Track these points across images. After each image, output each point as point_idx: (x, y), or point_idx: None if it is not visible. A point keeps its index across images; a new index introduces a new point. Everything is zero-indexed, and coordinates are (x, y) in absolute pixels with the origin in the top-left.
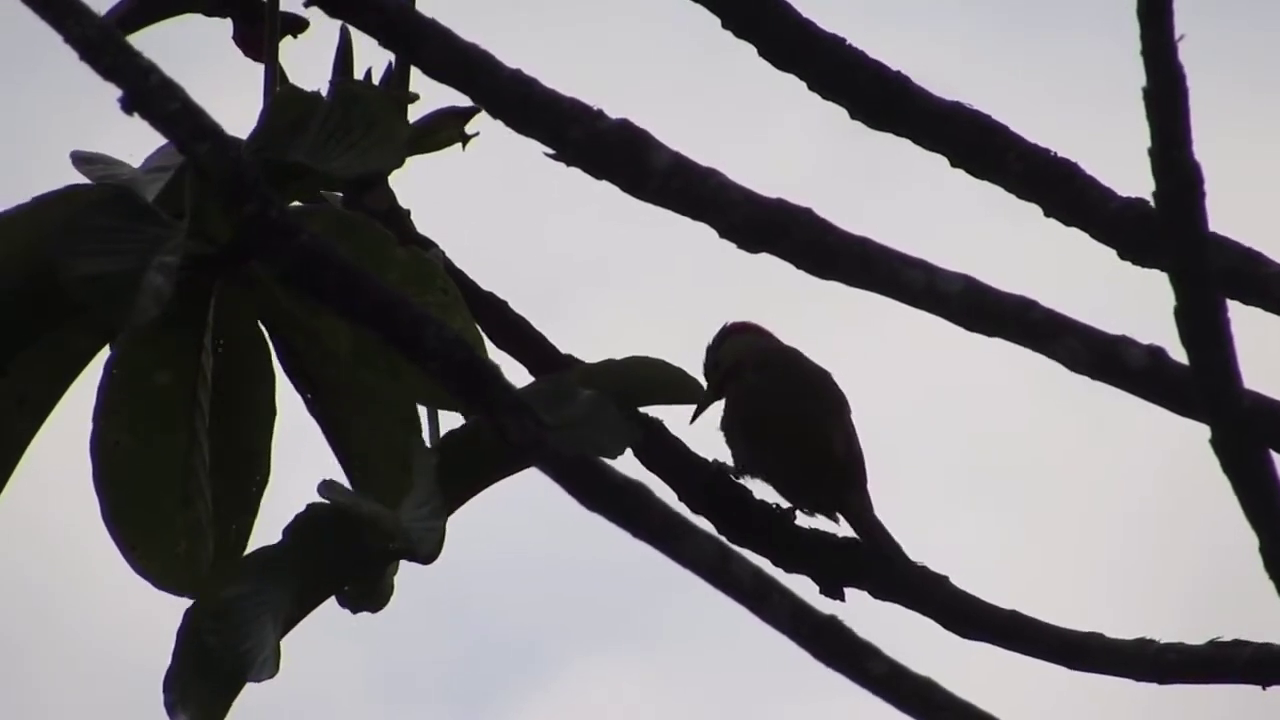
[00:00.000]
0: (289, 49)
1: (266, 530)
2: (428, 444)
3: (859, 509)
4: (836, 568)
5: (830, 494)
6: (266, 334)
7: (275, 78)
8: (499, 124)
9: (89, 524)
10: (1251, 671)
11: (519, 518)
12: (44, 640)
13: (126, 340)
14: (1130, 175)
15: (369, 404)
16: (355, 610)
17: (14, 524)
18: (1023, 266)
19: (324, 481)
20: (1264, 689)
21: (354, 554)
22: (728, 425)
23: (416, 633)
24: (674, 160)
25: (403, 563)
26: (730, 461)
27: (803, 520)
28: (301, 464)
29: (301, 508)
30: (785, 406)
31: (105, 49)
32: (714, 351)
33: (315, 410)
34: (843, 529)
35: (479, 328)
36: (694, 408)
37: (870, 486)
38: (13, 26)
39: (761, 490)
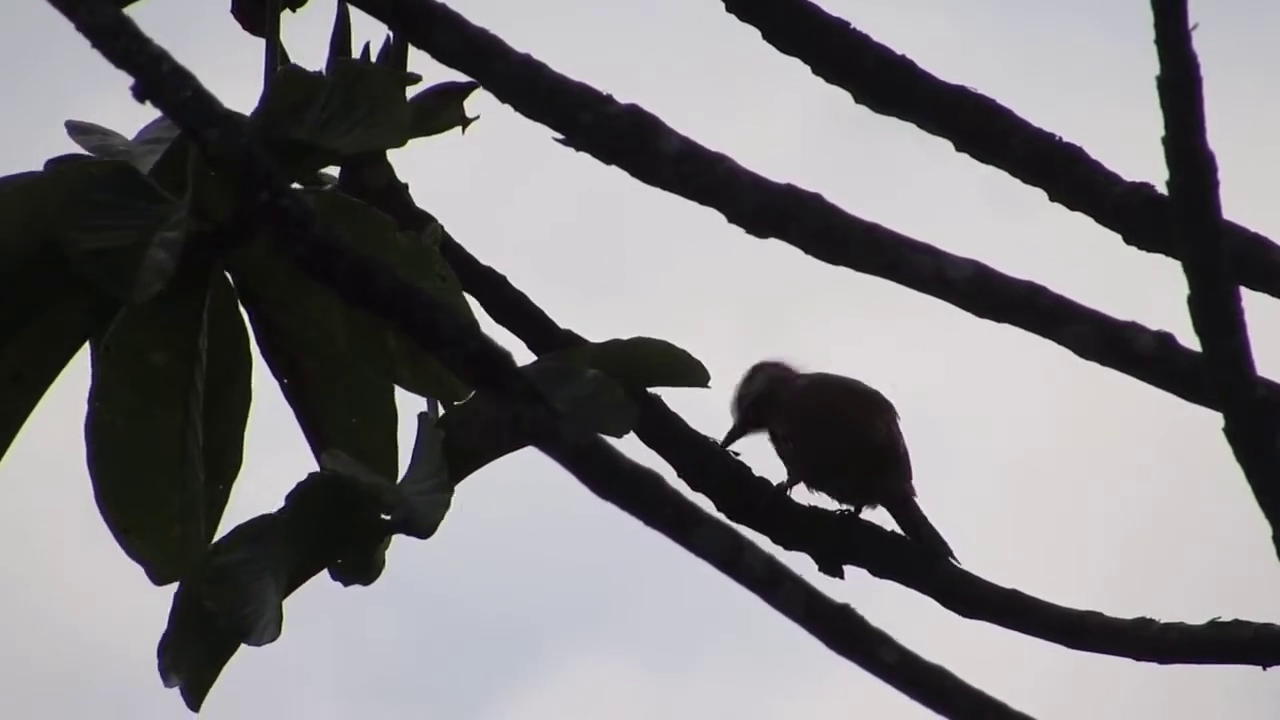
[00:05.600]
0: (288, 22)
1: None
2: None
3: (907, 504)
4: (835, 545)
5: (877, 482)
6: (247, 318)
7: (275, 52)
8: (498, 105)
9: (76, 507)
10: (1252, 652)
11: (509, 508)
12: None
13: (123, 320)
14: (1133, 160)
15: (349, 391)
16: (347, 583)
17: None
18: (1025, 251)
19: (327, 451)
20: (1264, 669)
21: (352, 525)
22: (775, 438)
23: (404, 626)
24: (683, 145)
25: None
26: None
27: (801, 498)
28: (279, 444)
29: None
30: (825, 403)
31: (118, 37)
32: (745, 385)
33: (291, 397)
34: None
35: (476, 305)
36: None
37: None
38: (25, 13)
39: (814, 500)
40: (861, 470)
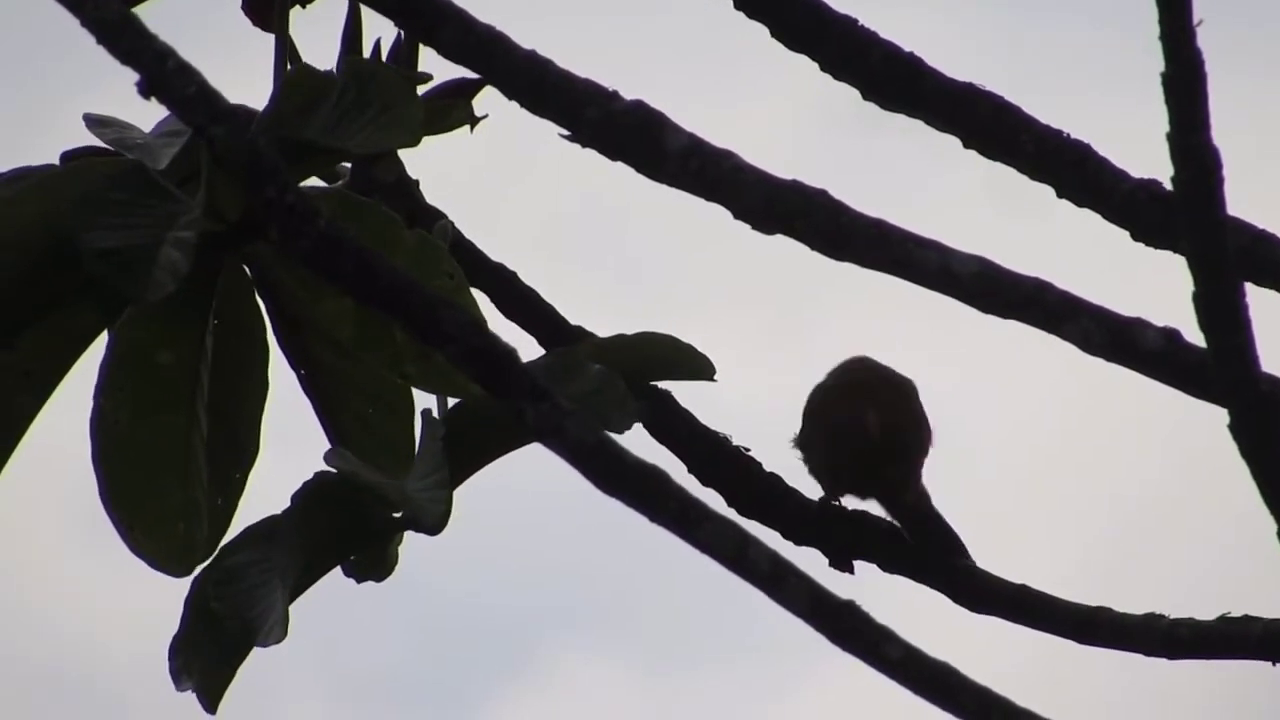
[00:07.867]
0: (298, 18)
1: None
2: (436, 415)
3: (905, 496)
4: (846, 540)
5: (866, 473)
6: (264, 308)
7: (285, 47)
8: (504, 101)
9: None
10: (1262, 647)
11: (508, 506)
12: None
13: (131, 318)
14: (1141, 156)
15: (365, 382)
16: (360, 580)
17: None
18: (1030, 248)
19: (331, 449)
20: (1274, 664)
21: (360, 523)
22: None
23: (402, 626)
24: (689, 141)
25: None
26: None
27: (813, 494)
28: (291, 442)
29: (304, 478)
30: (823, 391)
31: (123, 33)
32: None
33: (308, 388)
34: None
35: (487, 301)
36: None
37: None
38: (29, 8)
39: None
40: (855, 464)
